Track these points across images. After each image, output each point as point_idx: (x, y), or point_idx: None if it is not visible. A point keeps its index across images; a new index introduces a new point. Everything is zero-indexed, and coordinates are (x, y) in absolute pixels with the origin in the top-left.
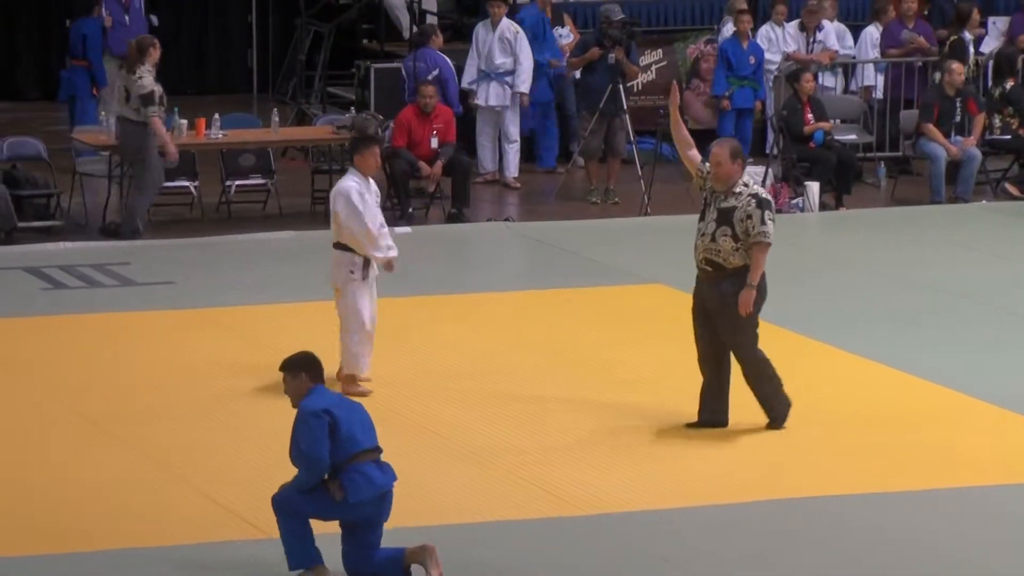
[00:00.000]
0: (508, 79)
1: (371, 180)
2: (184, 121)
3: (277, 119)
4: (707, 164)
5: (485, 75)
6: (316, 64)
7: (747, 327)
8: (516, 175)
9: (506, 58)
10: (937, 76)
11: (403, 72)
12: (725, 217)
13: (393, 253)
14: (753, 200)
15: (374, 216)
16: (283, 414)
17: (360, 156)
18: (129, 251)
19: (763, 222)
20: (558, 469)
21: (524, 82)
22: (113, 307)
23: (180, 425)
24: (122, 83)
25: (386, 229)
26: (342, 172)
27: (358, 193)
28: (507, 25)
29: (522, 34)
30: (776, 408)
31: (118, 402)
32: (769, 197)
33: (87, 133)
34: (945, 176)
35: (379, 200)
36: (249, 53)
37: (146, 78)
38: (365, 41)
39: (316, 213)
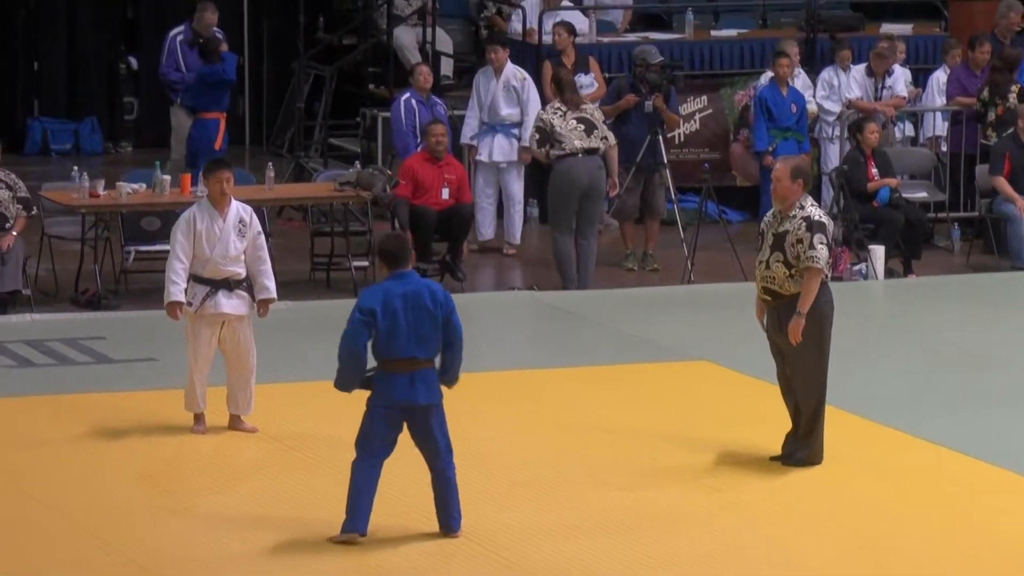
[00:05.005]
0: (516, 131)
1: (232, 209)
2: (167, 177)
3: (272, 174)
4: None
5: (488, 128)
6: (316, 112)
7: (807, 355)
8: (518, 240)
9: (513, 108)
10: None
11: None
12: (779, 242)
13: (171, 298)
14: (804, 223)
15: (200, 251)
16: (272, 508)
17: (205, 181)
18: (104, 324)
19: (812, 246)
20: None
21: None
22: (87, 387)
23: (164, 523)
24: (572, 117)
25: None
26: (345, 234)
27: (186, 221)
28: (512, 71)
29: (530, 81)
30: (808, 453)
31: (96, 496)
32: (824, 220)
33: (58, 191)
34: None
35: (243, 231)
36: (240, 100)
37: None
38: (371, 86)
39: (316, 280)
